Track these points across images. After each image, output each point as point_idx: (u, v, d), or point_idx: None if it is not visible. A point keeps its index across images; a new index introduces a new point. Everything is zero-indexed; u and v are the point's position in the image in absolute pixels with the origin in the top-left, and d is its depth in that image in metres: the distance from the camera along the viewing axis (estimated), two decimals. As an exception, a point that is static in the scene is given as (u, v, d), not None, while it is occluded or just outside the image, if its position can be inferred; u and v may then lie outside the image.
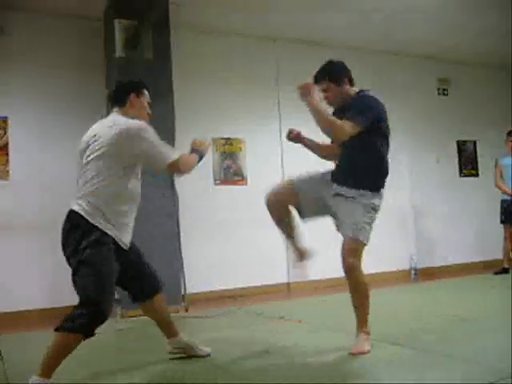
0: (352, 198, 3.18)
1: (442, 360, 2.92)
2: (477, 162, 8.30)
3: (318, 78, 3.31)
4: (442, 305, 4.87)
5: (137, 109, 3.07)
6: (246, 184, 6.51)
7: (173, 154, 2.93)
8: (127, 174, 2.89)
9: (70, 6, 5.48)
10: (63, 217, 2.85)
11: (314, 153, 3.61)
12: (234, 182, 6.46)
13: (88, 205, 2.79)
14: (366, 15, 6.21)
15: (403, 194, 7.53)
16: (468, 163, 8.25)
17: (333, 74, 3.29)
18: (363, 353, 3.06)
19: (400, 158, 7.58)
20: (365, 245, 3.26)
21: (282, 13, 6.03)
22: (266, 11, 5.97)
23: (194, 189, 5.91)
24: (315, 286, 6.42)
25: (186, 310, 5.09)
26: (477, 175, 8.29)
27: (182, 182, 5.32)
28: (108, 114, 3.14)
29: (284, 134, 7.02)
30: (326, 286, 6.38)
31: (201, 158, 3.11)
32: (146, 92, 3.18)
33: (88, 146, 2.88)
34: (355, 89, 3.34)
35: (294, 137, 3.53)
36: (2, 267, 5.16)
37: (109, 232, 2.80)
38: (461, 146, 8.20)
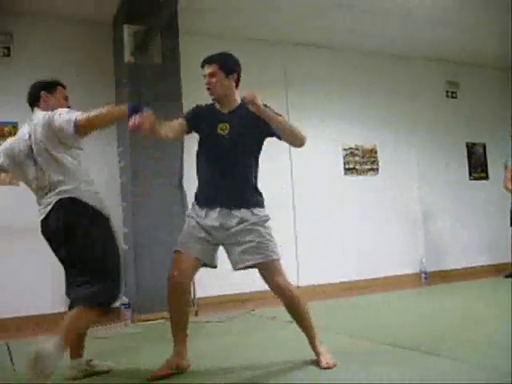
0: (247, 219, 2.97)
1: (456, 364, 2.90)
2: (486, 165, 8.26)
3: (209, 60, 3.08)
4: (453, 308, 4.84)
5: (51, 105, 3.11)
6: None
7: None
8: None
9: (79, 11, 5.52)
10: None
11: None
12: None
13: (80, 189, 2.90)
14: (373, 18, 6.20)
15: (412, 197, 7.52)
16: (478, 166, 8.21)
17: (225, 62, 3.09)
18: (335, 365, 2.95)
19: (409, 160, 7.57)
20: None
21: (290, 16, 6.04)
22: (274, 14, 5.98)
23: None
24: (323, 289, 6.42)
25: (196, 315, 5.09)
26: (487, 178, 8.25)
27: (190, 181, 5.32)
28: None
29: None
30: (335, 290, 6.40)
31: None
32: (62, 88, 3.28)
33: (31, 146, 2.97)
34: (238, 96, 3.10)
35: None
36: (12, 272, 5.18)
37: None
38: (470, 148, 8.17)
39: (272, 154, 6.51)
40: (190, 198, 5.28)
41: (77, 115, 2.90)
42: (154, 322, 4.80)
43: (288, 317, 4.60)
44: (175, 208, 5.17)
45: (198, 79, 6.45)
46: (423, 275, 7.07)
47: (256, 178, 3.14)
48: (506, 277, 6.80)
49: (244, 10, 5.83)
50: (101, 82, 5.73)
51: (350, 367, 2.96)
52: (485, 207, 7.97)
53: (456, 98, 8.13)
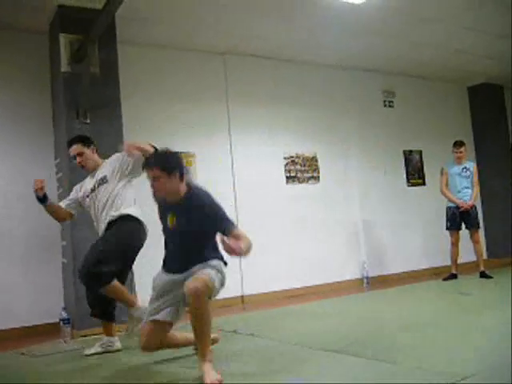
0: None
1: (389, 367, 2.95)
2: (423, 171, 8.51)
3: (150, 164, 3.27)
4: (393, 311, 4.93)
5: None
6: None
7: None
8: None
9: (14, 19, 5.35)
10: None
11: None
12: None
13: None
14: (311, 30, 6.30)
15: (353, 204, 7.64)
16: (415, 172, 8.44)
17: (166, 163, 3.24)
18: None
19: (349, 168, 7.71)
20: None
21: (232, 26, 6.07)
22: (215, 25, 5.99)
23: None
24: (269, 298, 6.44)
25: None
26: (423, 184, 8.49)
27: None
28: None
29: (234, 148, 6.98)
30: (279, 298, 6.43)
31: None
32: None
33: None
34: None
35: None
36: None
37: None
38: (407, 155, 8.39)
39: (216, 166, 6.59)
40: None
41: None
42: (92, 337, 4.66)
43: (232, 327, 4.56)
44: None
45: (138, 89, 6.40)
46: (365, 280, 7.20)
47: None
48: (445, 279, 7.00)
49: (185, 22, 5.81)
50: (37, 92, 5.58)
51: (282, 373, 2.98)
52: (422, 212, 8.21)
53: (393, 107, 8.35)
